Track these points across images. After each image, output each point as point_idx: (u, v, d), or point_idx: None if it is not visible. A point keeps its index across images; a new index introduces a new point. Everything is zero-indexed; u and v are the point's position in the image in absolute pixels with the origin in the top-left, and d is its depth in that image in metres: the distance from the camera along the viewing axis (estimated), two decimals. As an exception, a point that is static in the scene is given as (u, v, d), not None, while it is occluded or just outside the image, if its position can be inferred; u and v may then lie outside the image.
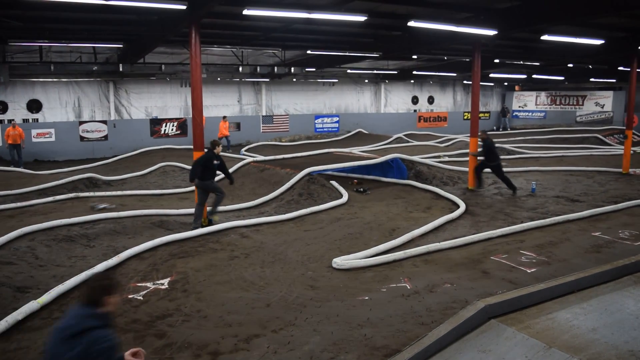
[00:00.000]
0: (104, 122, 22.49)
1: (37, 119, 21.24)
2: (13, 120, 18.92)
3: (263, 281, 7.32)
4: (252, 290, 6.98)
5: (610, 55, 19.23)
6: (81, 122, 21.99)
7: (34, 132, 20.80)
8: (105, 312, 3.09)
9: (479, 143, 14.09)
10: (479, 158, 13.97)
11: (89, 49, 18.39)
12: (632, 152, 17.38)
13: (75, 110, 22.12)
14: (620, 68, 23.84)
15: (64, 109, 21.85)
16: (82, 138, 21.95)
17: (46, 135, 21.12)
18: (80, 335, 2.90)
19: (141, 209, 11.27)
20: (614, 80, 29.10)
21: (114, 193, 13.20)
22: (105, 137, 22.44)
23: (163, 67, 20.91)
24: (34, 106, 21.19)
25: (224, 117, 23.32)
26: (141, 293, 6.82)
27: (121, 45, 16.56)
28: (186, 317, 6.10)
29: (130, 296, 6.70)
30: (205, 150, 10.52)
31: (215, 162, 10.29)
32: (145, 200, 12.81)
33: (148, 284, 7.14)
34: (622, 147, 18.80)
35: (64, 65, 19.18)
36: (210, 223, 10.31)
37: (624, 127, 19.65)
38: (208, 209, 10.50)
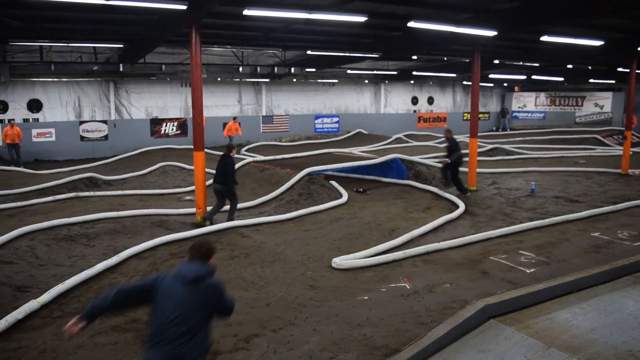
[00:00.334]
0: (104, 122, 22.49)
1: (38, 119, 21.24)
2: (12, 120, 18.90)
3: (263, 281, 7.33)
4: (251, 290, 6.99)
5: (610, 57, 19.23)
6: (81, 122, 21.98)
7: (34, 131, 20.80)
8: (211, 265, 3.93)
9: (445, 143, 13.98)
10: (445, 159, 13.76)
11: (89, 48, 18.39)
12: (631, 153, 17.41)
13: (76, 110, 22.12)
14: (620, 69, 23.83)
15: (64, 109, 21.85)
16: (82, 138, 21.94)
17: (46, 135, 21.11)
18: (199, 281, 3.72)
19: (141, 208, 11.28)
20: (614, 82, 29.10)
21: (114, 193, 13.21)
22: (106, 136, 22.44)
23: (163, 67, 20.89)
24: (35, 106, 21.19)
25: (234, 118, 23.41)
26: (141, 292, 6.81)
27: (122, 45, 16.55)
28: (186, 317, 6.09)
29: (130, 295, 6.70)
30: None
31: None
32: (145, 200, 12.82)
33: (148, 284, 7.13)
34: (622, 147, 18.81)
35: (65, 65, 19.16)
36: (209, 223, 10.32)
37: (623, 128, 19.65)
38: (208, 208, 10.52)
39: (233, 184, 10.48)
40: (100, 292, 6.70)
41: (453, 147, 13.44)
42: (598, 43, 13.78)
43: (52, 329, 5.76)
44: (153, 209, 11.23)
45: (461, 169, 13.77)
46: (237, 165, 14.73)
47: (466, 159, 14.06)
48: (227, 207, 10.75)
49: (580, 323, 5.37)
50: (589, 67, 25.38)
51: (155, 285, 3.80)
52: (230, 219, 10.51)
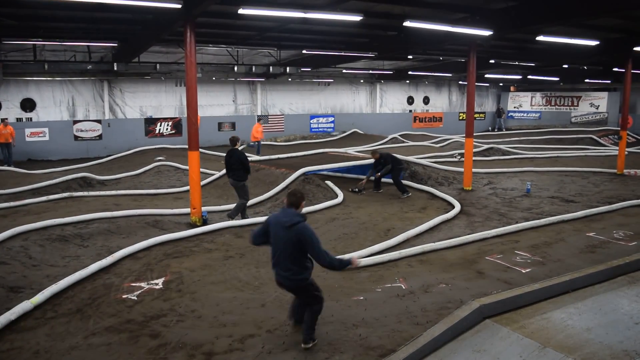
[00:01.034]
0: (98, 121, 22.42)
1: (31, 118, 21.16)
2: (6, 119, 18.83)
3: (258, 281, 7.32)
4: (246, 290, 6.98)
5: (605, 56, 19.33)
6: (75, 122, 21.92)
7: (27, 131, 20.72)
8: (302, 212, 5.29)
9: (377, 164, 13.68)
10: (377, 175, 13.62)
11: (83, 47, 18.34)
12: (626, 153, 17.48)
13: (70, 109, 22.04)
14: (615, 69, 23.93)
15: (58, 108, 21.77)
16: (76, 137, 21.88)
17: (40, 135, 21.03)
18: (294, 225, 5.07)
19: (135, 208, 11.24)
20: (609, 81, 29.22)
21: (108, 192, 13.17)
22: (100, 136, 22.38)
23: (158, 66, 20.82)
24: (28, 105, 21.11)
25: (259, 120, 23.02)
26: (135, 293, 6.80)
27: (116, 44, 16.52)
28: (180, 317, 6.08)
29: (124, 296, 6.69)
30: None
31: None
32: (139, 200, 12.78)
33: (142, 284, 7.13)
34: (617, 147, 18.87)
35: (58, 64, 19.10)
36: (204, 223, 10.31)
37: (619, 128, 19.72)
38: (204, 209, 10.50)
39: (246, 179, 10.57)
40: (94, 293, 6.70)
41: (388, 162, 13.41)
42: (593, 43, 13.84)
43: (45, 330, 5.73)
44: (147, 209, 11.19)
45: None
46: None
47: (463, 157, 14.02)
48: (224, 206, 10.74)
49: (575, 323, 5.39)
50: (585, 67, 25.49)
51: (268, 227, 5.33)
52: (232, 215, 10.52)
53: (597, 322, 5.43)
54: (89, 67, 19.61)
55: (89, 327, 5.83)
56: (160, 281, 7.25)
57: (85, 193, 12.95)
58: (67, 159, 20.54)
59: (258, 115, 25.47)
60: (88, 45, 17.94)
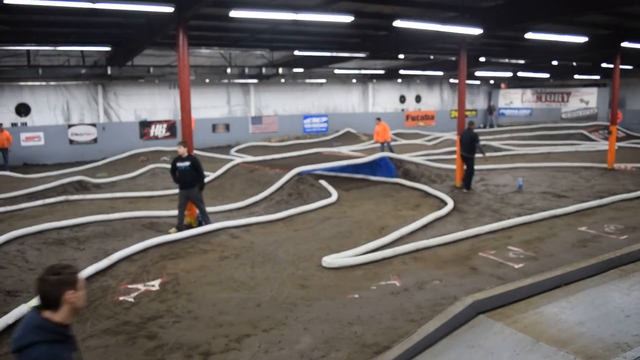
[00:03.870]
0: (93, 125, 22.35)
1: (26, 123, 21.05)
2: (1, 124, 18.75)
3: (253, 281, 7.32)
4: (242, 291, 6.97)
5: (594, 53, 19.38)
6: (70, 126, 21.84)
7: (22, 135, 20.63)
8: (58, 319, 2.63)
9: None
10: None
11: (77, 52, 18.25)
12: (616, 147, 17.54)
13: (64, 113, 21.95)
14: (604, 65, 24.03)
15: (53, 113, 21.66)
16: (71, 141, 21.80)
17: (35, 139, 20.95)
18: (24, 350, 2.53)
19: (131, 210, 11.22)
20: (598, 77, 29.33)
21: (103, 196, 13.13)
22: (95, 140, 22.30)
23: (151, 69, 20.76)
24: (23, 110, 20.99)
25: (378, 119, 20.90)
26: (132, 295, 6.79)
27: (109, 48, 16.43)
28: (177, 318, 6.08)
29: (121, 298, 6.67)
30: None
31: (178, 164, 9.96)
32: (135, 202, 12.75)
33: (139, 286, 7.11)
34: (607, 142, 18.94)
35: (52, 69, 19.00)
36: (199, 224, 10.30)
37: (609, 123, 19.80)
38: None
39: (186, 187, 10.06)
40: (91, 296, 6.67)
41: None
42: (582, 39, 13.89)
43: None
44: (143, 211, 11.17)
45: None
46: (226, 166, 14.78)
47: (453, 155, 14.05)
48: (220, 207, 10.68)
49: (568, 317, 5.41)
50: (574, 64, 25.58)
51: None
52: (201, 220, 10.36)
53: (589, 315, 5.45)
54: (83, 71, 19.53)
55: (86, 329, 5.81)
56: (156, 283, 7.24)
57: (81, 196, 12.91)
58: (63, 163, 20.45)
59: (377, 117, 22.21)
60: (82, 50, 17.85)
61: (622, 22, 14.22)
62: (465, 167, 13.83)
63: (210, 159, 19.28)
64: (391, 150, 19.94)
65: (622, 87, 24.91)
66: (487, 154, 19.74)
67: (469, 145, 13.55)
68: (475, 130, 14.29)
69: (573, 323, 5.25)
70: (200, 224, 10.31)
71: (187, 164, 9.87)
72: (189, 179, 9.92)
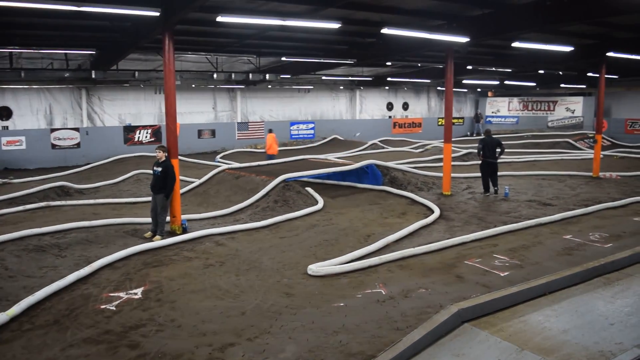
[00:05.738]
0: (77, 129, 22.18)
1: (7, 127, 20.83)
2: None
3: (238, 289, 7.28)
4: (227, 299, 6.94)
5: (580, 62, 19.63)
6: (53, 130, 21.65)
7: (3, 139, 20.42)
8: None
9: None
10: None
11: (60, 55, 18.12)
12: (601, 156, 17.73)
13: (47, 117, 21.76)
14: (590, 74, 24.35)
15: (35, 117, 21.46)
16: (53, 146, 21.61)
17: (17, 143, 20.73)
18: None
19: (114, 217, 11.13)
20: (584, 86, 29.71)
21: (86, 202, 13.02)
22: (78, 144, 22.13)
23: (137, 73, 20.67)
24: (4, 113, 20.76)
25: (270, 130, 20.24)
26: (114, 303, 6.73)
27: (94, 52, 16.35)
28: (160, 327, 6.03)
29: (102, 306, 6.61)
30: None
31: (155, 168, 10.06)
32: (118, 208, 12.66)
33: (121, 294, 7.05)
34: (592, 151, 19.16)
35: (35, 72, 18.84)
36: (184, 231, 10.25)
37: (594, 132, 20.05)
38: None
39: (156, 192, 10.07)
40: (72, 304, 6.60)
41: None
42: (568, 49, 14.09)
43: (22, 343, 5.64)
44: (126, 218, 11.09)
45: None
46: (211, 173, 14.73)
47: (439, 163, 14.17)
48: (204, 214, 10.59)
49: (552, 325, 5.46)
50: (560, 73, 25.93)
51: None
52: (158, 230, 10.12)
53: (573, 323, 5.51)
54: (67, 74, 19.39)
55: (67, 338, 5.74)
56: (139, 291, 7.18)
57: (63, 202, 12.79)
58: (45, 168, 20.24)
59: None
60: (66, 53, 17.73)
61: (607, 32, 14.45)
62: (487, 172, 14.46)
63: (195, 165, 19.22)
64: None
65: (607, 96, 25.23)
66: (473, 162, 19.97)
67: (494, 150, 14.32)
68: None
69: (558, 331, 5.30)
70: (185, 231, 10.26)
71: (160, 169, 9.97)
72: (160, 184, 9.98)
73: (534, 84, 29.92)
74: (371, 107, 32.01)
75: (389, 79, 26.55)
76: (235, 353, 5.40)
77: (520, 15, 11.12)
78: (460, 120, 35.44)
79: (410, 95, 33.61)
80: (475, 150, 22.38)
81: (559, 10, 10.49)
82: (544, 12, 10.69)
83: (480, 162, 14.68)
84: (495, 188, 14.38)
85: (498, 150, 14.40)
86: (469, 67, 21.52)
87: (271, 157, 19.04)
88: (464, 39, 11.95)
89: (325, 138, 28.52)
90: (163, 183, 9.94)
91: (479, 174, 15.01)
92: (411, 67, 24.08)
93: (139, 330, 5.94)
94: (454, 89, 15.21)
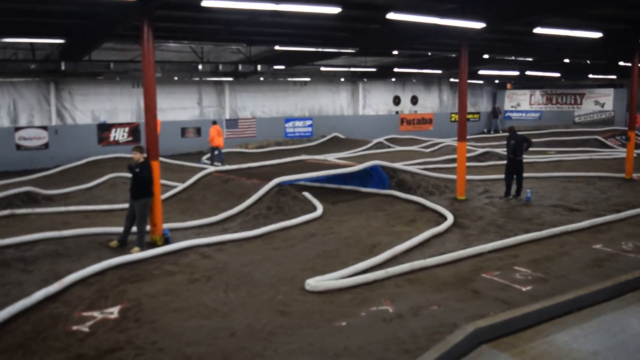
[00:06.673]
0: (44, 128, 22.21)
1: (-34, 126, 20.88)
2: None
3: (227, 307, 7.29)
4: (214, 318, 6.94)
5: (610, 50, 19.67)
6: (17, 129, 21.68)
7: (-38, 140, 20.46)
8: None
9: None
10: None
11: (25, 44, 18.09)
12: (635, 155, 17.74)
13: (11, 114, 21.77)
14: (621, 63, 24.36)
15: (-3, 114, 21.52)
16: (18, 146, 21.63)
17: (-24, 144, 20.79)
18: None
19: (87, 227, 11.13)
20: (615, 77, 29.76)
21: (55, 209, 13.01)
22: (46, 145, 22.15)
23: (112, 65, 20.62)
24: (-38, 110, 20.84)
25: (214, 122, 22.24)
26: (87, 324, 6.72)
27: (63, 41, 16.33)
28: (139, 351, 6.02)
29: (74, 328, 6.60)
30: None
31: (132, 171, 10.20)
32: (92, 216, 12.66)
33: (95, 313, 7.05)
34: (625, 149, 19.17)
35: (-3, 64, 18.88)
36: (166, 242, 10.25)
37: (626, 128, 20.04)
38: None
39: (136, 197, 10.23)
40: (39, 325, 6.59)
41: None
42: (596, 35, 14.08)
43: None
44: (101, 227, 11.09)
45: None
46: (197, 176, 14.74)
47: (453, 164, 14.18)
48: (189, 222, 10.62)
49: (581, 346, 5.46)
50: (588, 62, 25.90)
51: None
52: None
53: (604, 344, 5.51)
54: (33, 66, 19.36)
55: (34, 364, 5.74)
56: (115, 309, 7.17)
57: (29, 210, 12.78)
58: (8, 171, 20.17)
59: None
60: (31, 42, 17.73)
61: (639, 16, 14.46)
62: (512, 172, 14.60)
63: (179, 168, 19.21)
64: (221, 159, 20.55)
65: (641, 88, 25.27)
66: (490, 163, 20.00)
67: (522, 147, 14.50)
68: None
69: (587, 353, 5.30)
70: (167, 242, 10.26)
71: (138, 170, 10.08)
72: (139, 189, 10.12)
73: (559, 75, 29.94)
74: (376, 101, 32.06)
75: (395, 70, 26.54)
76: (224, 379, 5.40)
77: (542, -3, 11.15)
78: (476, 116, 35.51)
79: (420, 88, 33.66)
80: (493, 150, 22.55)
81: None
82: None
83: (505, 161, 14.79)
84: (519, 191, 14.46)
85: (525, 144, 14.62)
86: (486, 56, 21.51)
87: (216, 149, 20.86)
88: (479, 25, 11.95)
89: (324, 136, 28.57)
90: (143, 187, 9.99)
91: (496, 176, 15.11)
92: (420, 57, 24.07)
93: (116, 354, 5.94)
94: (468, 81, 15.20)
